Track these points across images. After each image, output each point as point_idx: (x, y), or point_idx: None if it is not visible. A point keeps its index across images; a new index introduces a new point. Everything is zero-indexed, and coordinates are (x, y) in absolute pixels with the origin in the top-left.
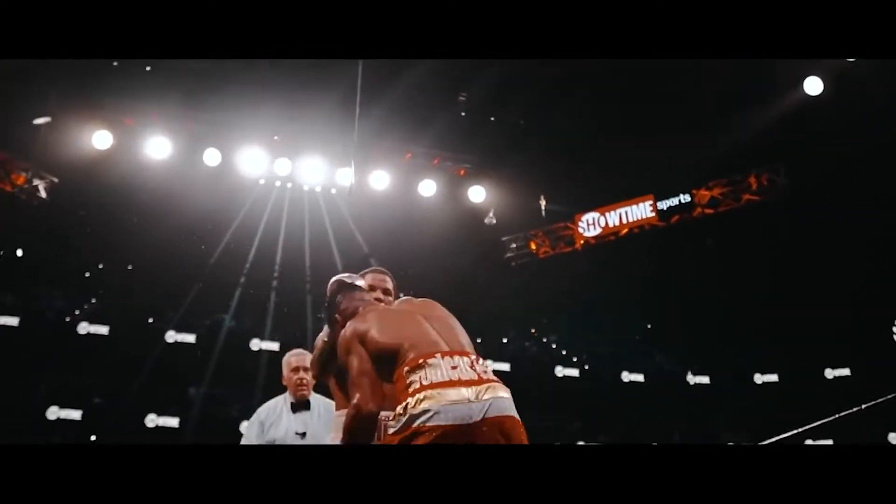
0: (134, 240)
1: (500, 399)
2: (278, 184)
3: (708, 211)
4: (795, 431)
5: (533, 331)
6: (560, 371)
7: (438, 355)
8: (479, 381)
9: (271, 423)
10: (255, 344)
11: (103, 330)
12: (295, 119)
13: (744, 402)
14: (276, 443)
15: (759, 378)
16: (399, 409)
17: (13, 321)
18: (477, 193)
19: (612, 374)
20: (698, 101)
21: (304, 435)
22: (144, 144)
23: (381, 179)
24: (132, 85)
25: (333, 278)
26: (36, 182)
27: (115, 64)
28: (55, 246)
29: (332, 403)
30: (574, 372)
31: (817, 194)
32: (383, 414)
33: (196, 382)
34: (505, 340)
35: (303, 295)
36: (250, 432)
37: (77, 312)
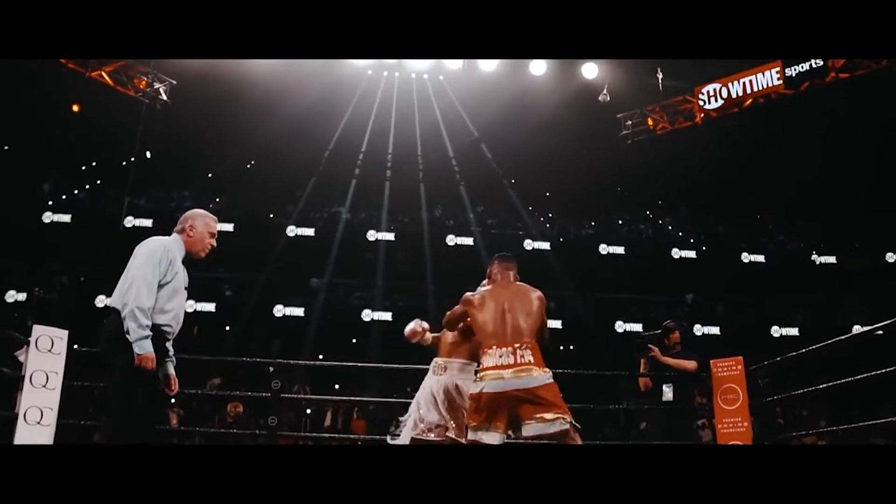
0: (252, 136)
1: (519, 378)
2: (386, 73)
3: (843, 75)
4: None
5: (648, 213)
6: (676, 253)
7: (494, 347)
8: (513, 365)
9: (177, 263)
10: (372, 235)
11: (228, 227)
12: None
13: (875, 282)
14: (174, 285)
15: (891, 257)
16: (477, 376)
17: (147, 223)
18: (590, 70)
19: (732, 255)
20: None
21: (187, 289)
22: None
23: (489, 62)
24: None
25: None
26: (157, 85)
27: None
28: (180, 148)
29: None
30: (691, 254)
31: None
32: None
33: (318, 273)
34: (620, 222)
35: (416, 184)
36: (161, 266)
37: None
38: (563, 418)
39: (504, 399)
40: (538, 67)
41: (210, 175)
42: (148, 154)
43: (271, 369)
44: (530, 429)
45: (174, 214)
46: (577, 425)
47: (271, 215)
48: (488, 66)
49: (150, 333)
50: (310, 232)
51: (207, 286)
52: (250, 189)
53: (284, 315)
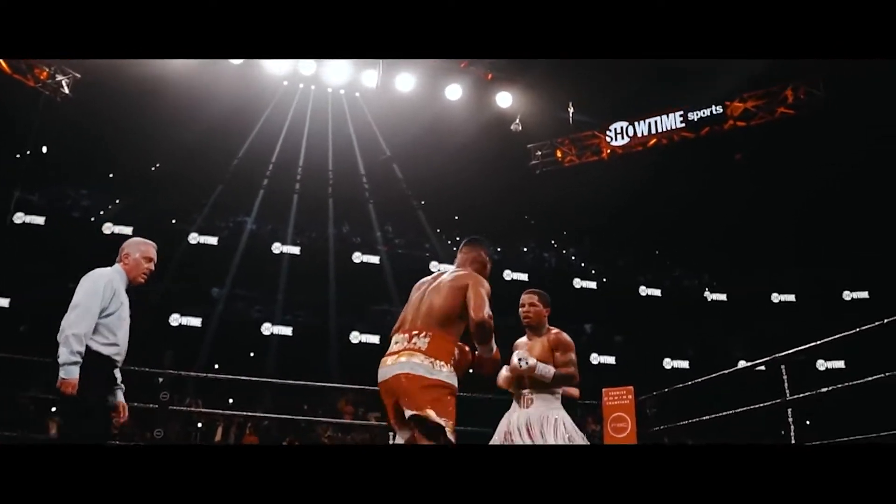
0: (158, 139)
1: (401, 363)
2: (302, 85)
3: (740, 123)
4: (808, 346)
5: (553, 242)
6: (578, 283)
7: (395, 334)
8: (400, 351)
9: (120, 293)
10: (277, 247)
11: (127, 230)
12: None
13: (761, 321)
14: (116, 314)
15: (776, 297)
16: None
17: (39, 220)
18: (504, 99)
19: (630, 288)
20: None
21: (130, 317)
22: None
23: (406, 82)
24: None
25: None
26: (59, 77)
27: None
28: (80, 144)
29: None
30: (592, 284)
31: (855, 110)
32: None
33: (218, 283)
34: (525, 250)
35: (325, 198)
36: (104, 296)
37: (101, 213)
38: (420, 415)
39: (385, 391)
40: (454, 92)
41: (111, 175)
42: (45, 149)
43: (160, 380)
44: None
45: (69, 213)
46: (439, 424)
47: (173, 221)
48: (405, 86)
49: (80, 360)
50: (213, 240)
51: None
52: (153, 193)
53: (181, 324)
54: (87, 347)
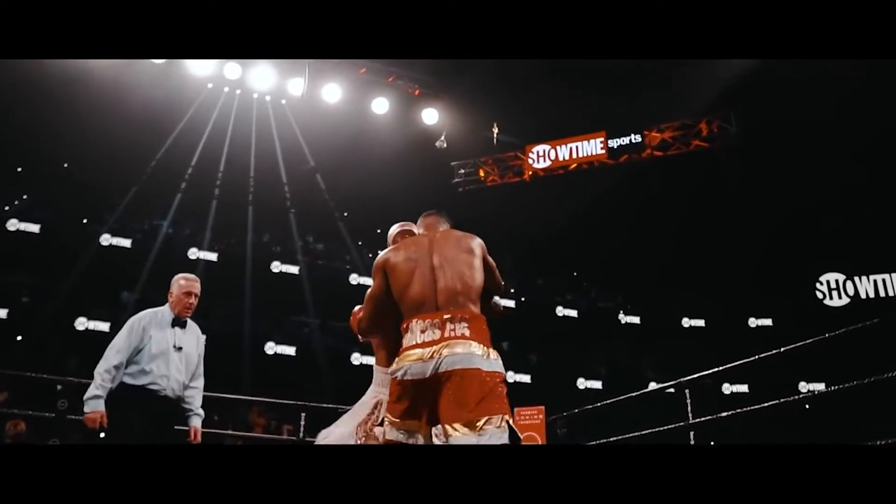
0: (72, 134)
1: (452, 355)
2: (227, 89)
3: (657, 153)
4: (713, 370)
5: None
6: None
7: (416, 320)
8: (439, 341)
9: (155, 330)
10: (193, 253)
11: (34, 228)
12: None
13: (669, 343)
14: (154, 351)
15: (686, 322)
16: (395, 361)
17: None
18: (430, 115)
19: (548, 308)
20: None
21: (180, 349)
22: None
23: (333, 92)
24: None
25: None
26: None
27: None
28: None
29: (196, 326)
30: (511, 303)
31: (765, 146)
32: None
33: (130, 288)
34: None
35: (245, 205)
36: (132, 335)
37: (7, 208)
38: (503, 424)
39: (427, 388)
40: (381, 105)
41: (19, 169)
42: None
43: (59, 387)
44: (458, 438)
45: None
46: (518, 432)
47: (84, 220)
48: (331, 96)
49: (100, 395)
50: (126, 243)
51: (0, 291)
52: (63, 190)
53: (87, 329)
54: (122, 382)
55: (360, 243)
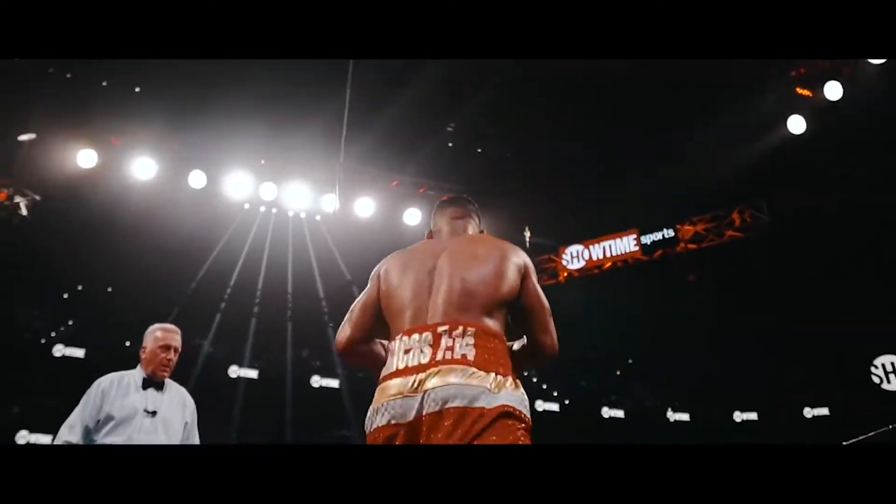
0: (115, 261)
1: (443, 388)
2: (263, 208)
3: (691, 246)
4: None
5: None
6: (540, 405)
7: (399, 337)
8: (428, 365)
9: (116, 397)
10: (234, 371)
11: (79, 353)
12: (282, 143)
13: (724, 439)
14: (116, 419)
15: (738, 416)
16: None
17: None
18: None
19: (593, 410)
20: (682, 138)
21: (154, 413)
22: (130, 164)
23: (366, 206)
24: (120, 104)
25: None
26: (17, 199)
27: (104, 84)
28: (35, 265)
29: (183, 389)
30: (554, 406)
31: (798, 231)
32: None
33: None
34: None
35: (283, 322)
36: (88, 405)
37: (53, 334)
38: None
39: (413, 438)
40: (413, 216)
41: (65, 296)
42: None
43: None
44: None
45: (21, 334)
46: None
47: (127, 343)
48: (364, 211)
49: None
50: None
51: (46, 417)
52: (107, 315)
53: None
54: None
55: None
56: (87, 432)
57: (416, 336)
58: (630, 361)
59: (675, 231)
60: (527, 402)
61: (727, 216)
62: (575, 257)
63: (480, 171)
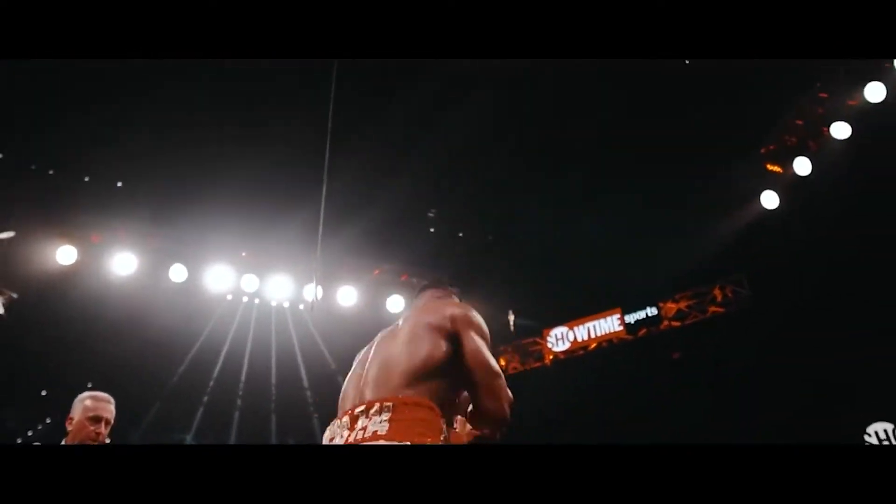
0: (95, 358)
1: None
2: (245, 299)
3: (675, 323)
4: None
5: None
6: None
7: (331, 424)
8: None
9: None
10: None
11: None
12: (262, 237)
13: None
14: None
15: None
16: None
17: None
18: None
19: None
20: (658, 217)
21: None
22: (110, 261)
23: (348, 295)
24: (99, 201)
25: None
26: None
27: (86, 179)
28: (11, 363)
29: None
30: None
31: (780, 305)
32: None
33: None
34: None
35: (267, 413)
36: None
37: (30, 433)
38: None
39: None
40: (396, 304)
41: (43, 393)
42: None
43: None
44: None
45: None
46: None
47: (108, 440)
48: (346, 300)
49: None
50: None
51: None
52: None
53: None
54: None
55: None
56: None
57: (336, 422)
58: (621, 439)
59: (658, 309)
60: None
61: (709, 292)
62: (560, 339)
63: (463, 255)
